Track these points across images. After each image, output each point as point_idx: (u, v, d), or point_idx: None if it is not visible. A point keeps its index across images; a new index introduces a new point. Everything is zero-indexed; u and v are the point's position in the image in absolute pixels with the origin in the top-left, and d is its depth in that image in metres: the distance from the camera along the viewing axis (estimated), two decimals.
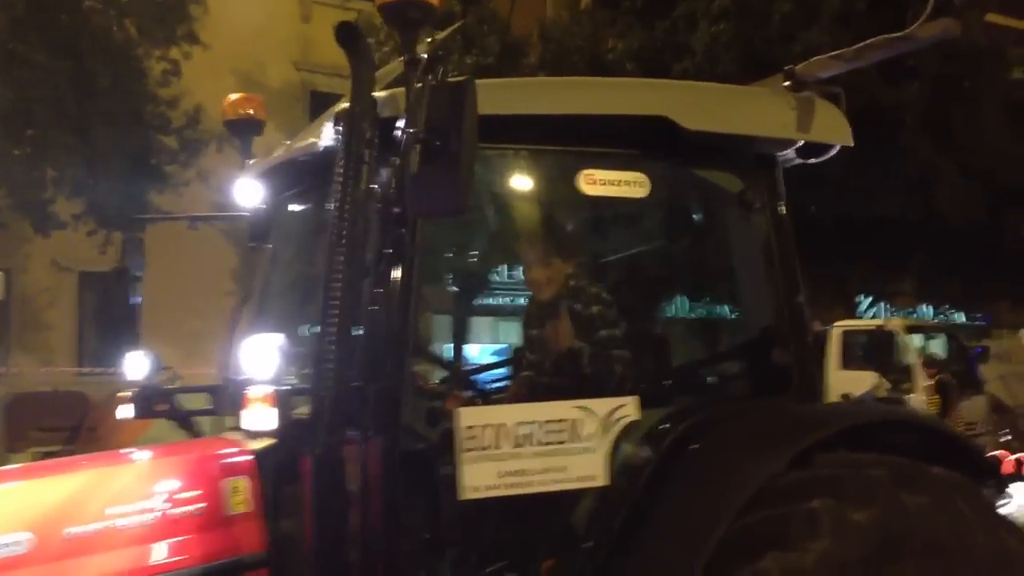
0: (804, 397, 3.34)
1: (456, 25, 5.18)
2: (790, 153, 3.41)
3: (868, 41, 3.25)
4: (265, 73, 17.25)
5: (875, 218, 15.78)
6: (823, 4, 13.85)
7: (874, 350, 12.13)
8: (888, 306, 19.90)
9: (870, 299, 19.65)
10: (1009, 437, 7.68)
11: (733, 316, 3.57)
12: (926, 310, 21.08)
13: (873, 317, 17.42)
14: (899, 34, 3.13)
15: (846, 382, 12.14)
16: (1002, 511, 3.81)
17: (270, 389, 2.52)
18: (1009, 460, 5.93)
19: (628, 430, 2.94)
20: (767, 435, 2.97)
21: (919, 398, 11.52)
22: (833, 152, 3.44)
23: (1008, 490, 4.18)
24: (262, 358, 2.55)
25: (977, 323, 19.56)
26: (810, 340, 3.42)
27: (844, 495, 2.76)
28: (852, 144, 3.39)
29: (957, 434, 3.20)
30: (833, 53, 3.39)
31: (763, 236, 3.39)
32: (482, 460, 2.70)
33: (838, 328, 12.74)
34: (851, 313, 18.12)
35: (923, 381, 11.76)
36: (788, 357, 3.34)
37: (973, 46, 16.92)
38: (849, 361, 12.37)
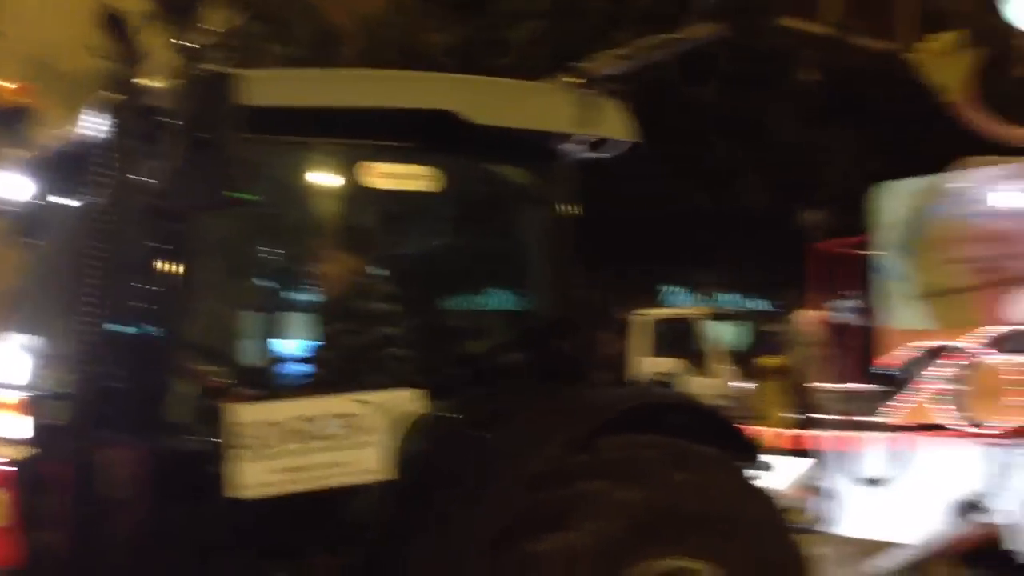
0: (589, 384, 3.46)
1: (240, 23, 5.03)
2: (579, 148, 3.51)
3: (647, 39, 3.39)
4: (63, 60, 16.27)
5: (682, 210, 16.54)
6: (636, 2, 14.36)
7: (679, 337, 12.75)
8: (695, 295, 20.84)
9: (677, 288, 20.58)
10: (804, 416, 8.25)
11: (523, 307, 3.66)
12: (732, 298, 22.15)
13: (681, 306, 18.20)
14: (675, 35, 3.29)
15: (654, 367, 12.70)
16: (765, 482, 4.09)
17: (21, 395, 2.37)
18: (787, 436, 6.35)
19: (411, 422, 2.96)
20: (548, 421, 3.06)
21: (714, 381, 12.14)
22: (623, 148, 3.56)
23: (770, 463, 4.48)
24: (14, 361, 2.41)
25: (777, 310, 20.76)
26: (597, 329, 3.55)
27: (618, 476, 2.88)
28: (638, 140, 3.52)
29: (724, 415, 3.40)
30: (617, 51, 3.52)
31: (552, 229, 3.48)
32: (257, 458, 2.65)
33: (648, 316, 13.23)
34: (660, 302, 18.91)
35: (720, 365, 12.40)
36: (575, 346, 3.45)
37: (766, 47, 18.04)
38: (659, 347, 12.88)
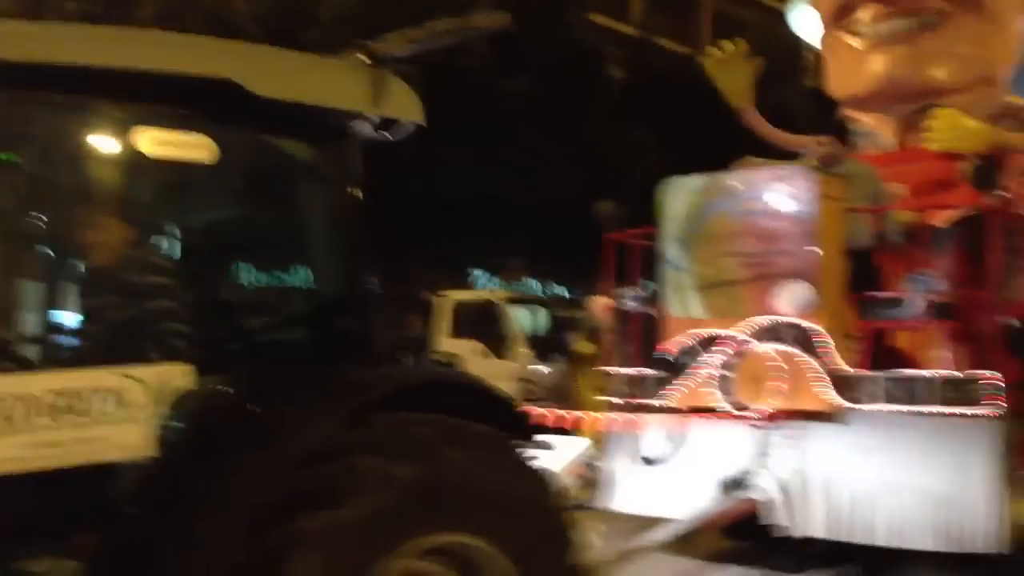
0: (370, 362, 3.47)
1: None
2: (365, 127, 3.49)
3: (432, 25, 3.42)
4: None
5: (490, 197, 16.80)
6: None
7: (480, 320, 12.97)
8: (499, 280, 21.23)
9: (483, 272, 20.93)
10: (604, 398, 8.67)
11: (306, 284, 3.62)
12: (535, 284, 22.69)
13: (485, 289, 18.51)
14: (460, 21, 3.34)
15: (454, 349, 12.87)
16: (543, 462, 4.24)
17: None
18: (576, 417, 6.59)
19: (180, 398, 2.88)
20: (322, 398, 3.04)
21: (512, 364, 12.44)
22: (409, 130, 3.57)
23: (549, 442, 4.66)
24: None
25: (574, 296, 21.47)
26: (378, 308, 3.56)
27: (389, 452, 2.91)
28: (423, 123, 3.54)
29: (500, 394, 3.50)
30: (406, 32, 3.52)
31: (335, 207, 3.46)
32: (2, 433, 2.50)
33: (449, 299, 13.36)
34: (465, 285, 19.16)
35: (518, 348, 12.70)
36: (358, 324, 3.45)
37: (577, 43, 18.60)
38: (458, 330, 13.04)
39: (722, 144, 9.30)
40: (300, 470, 2.80)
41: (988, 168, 6.49)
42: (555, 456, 5.73)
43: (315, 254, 3.56)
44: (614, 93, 20.23)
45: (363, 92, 3.36)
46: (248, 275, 3.56)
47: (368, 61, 3.43)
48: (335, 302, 3.46)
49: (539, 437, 4.11)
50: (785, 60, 15.93)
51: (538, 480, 3.42)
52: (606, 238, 7.50)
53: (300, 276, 3.62)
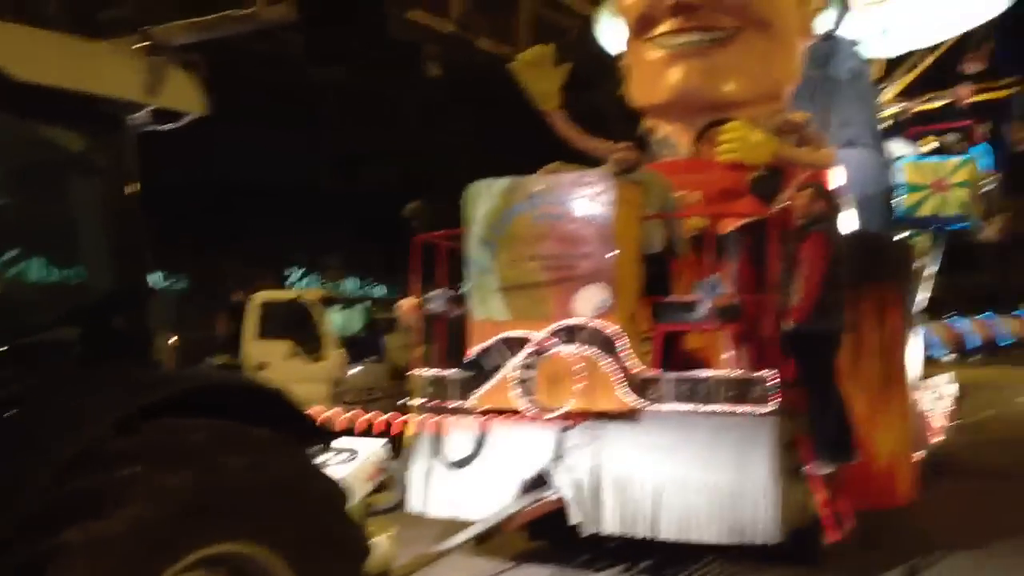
0: (145, 364, 3.31)
1: None
2: (142, 116, 3.32)
3: (218, 15, 3.30)
4: None
5: (307, 192, 16.48)
6: None
7: (291, 321, 12.63)
8: (318, 278, 20.87)
9: (302, 271, 20.49)
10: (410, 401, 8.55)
11: (74, 281, 3.41)
12: (353, 283, 22.45)
13: (299, 289, 18.11)
14: (244, 12, 3.24)
15: (263, 351, 12.50)
16: (335, 466, 4.17)
17: None
18: (383, 419, 6.53)
19: None
20: (89, 402, 2.87)
21: (324, 365, 12.23)
22: (187, 120, 3.43)
23: (348, 445, 4.61)
24: None
25: (393, 296, 21.37)
26: (151, 307, 3.39)
27: (162, 460, 2.78)
28: (204, 113, 3.41)
29: (287, 399, 3.41)
30: (188, 21, 3.39)
31: (106, 200, 3.27)
32: None
33: (258, 298, 12.96)
34: (281, 283, 18.71)
35: (331, 348, 12.49)
36: (128, 323, 3.28)
37: (395, 38, 18.47)
38: (267, 331, 12.66)
39: (541, 146, 9.49)
40: (62, 479, 2.63)
41: (771, 179, 6.89)
42: (354, 460, 5.67)
43: (86, 249, 3.36)
44: (434, 90, 20.29)
45: (138, 80, 3.20)
46: (12, 270, 3.32)
47: (147, 47, 3.27)
48: (106, 300, 3.28)
49: (338, 440, 4.05)
50: (601, 66, 16.48)
51: (324, 485, 3.36)
52: (414, 239, 7.49)
53: (69, 272, 3.42)
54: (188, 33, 3.37)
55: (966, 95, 11.94)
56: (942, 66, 12.49)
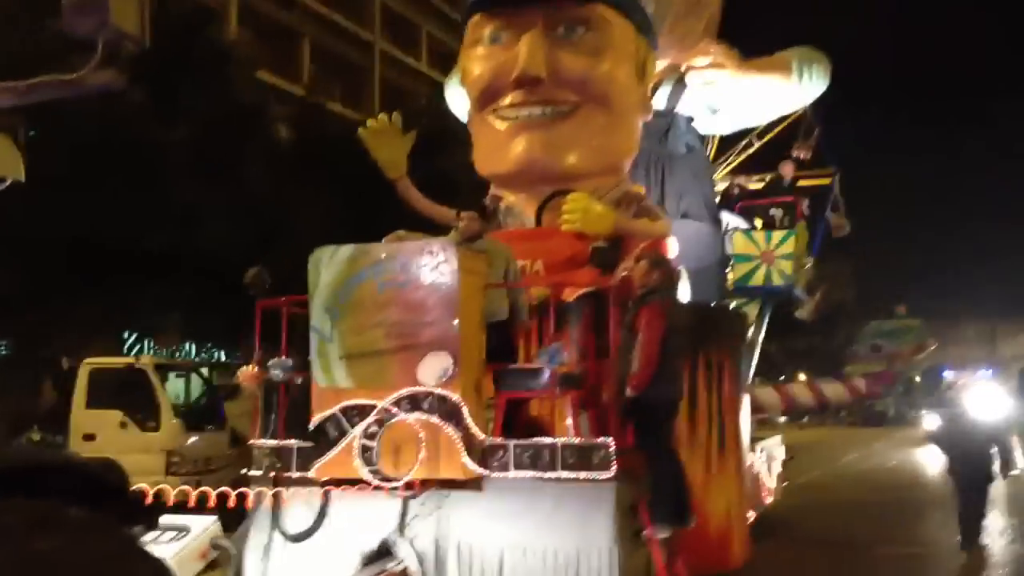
0: None
1: None
2: None
3: (39, 79, 3.18)
4: None
5: (144, 254, 15.83)
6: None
7: (123, 388, 12.05)
8: (152, 343, 20.01)
9: (135, 335, 19.57)
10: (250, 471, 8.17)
11: None
12: (189, 348, 21.64)
13: (135, 353, 17.32)
14: (68, 77, 3.13)
15: (91, 421, 11.85)
16: (161, 544, 3.98)
17: None
18: (220, 492, 6.26)
19: None
20: None
21: (158, 435, 11.72)
22: (5, 185, 3.27)
23: (178, 522, 4.41)
24: None
25: (235, 361, 20.69)
26: None
27: None
28: (22, 178, 3.26)
29: (110, 475, 3.23)
30: (5, 85, 3.24)
31: None
32: None
33: (87, 365, 12.31)
34: (116, 349, 17.82)
35: (165, 417, 11.98)
36: None
37: (241, 99, 18.25)
38: (96, 400, 12.02)
39: (391, 212, 9.47)
40: None
41: (611, 250, 7.13)
42: (184, 537, 5.41)
43: None
44: (282, 153, 20.04)
45: None
46: None
47: None
48: None
49: (168, 517, 3.87)
50: (452, 132, 16.71)
51: (148, 566, 3.19)
52: (257, 304, 7.33)
53: None
54: (5, 97, 3.22)
55: (789, 172, 12.76)
56: (772, 145, 13.33)
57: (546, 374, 6.39)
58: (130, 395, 12.02)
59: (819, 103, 12.49)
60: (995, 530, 10.93)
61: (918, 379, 42.74)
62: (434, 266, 6.22)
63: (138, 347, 19.25)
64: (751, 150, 13.49)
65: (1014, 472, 10.28)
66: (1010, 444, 10.28)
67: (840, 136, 13.48)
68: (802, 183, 13.22)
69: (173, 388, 13.26)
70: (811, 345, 44.67)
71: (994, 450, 9.95)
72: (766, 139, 13.26)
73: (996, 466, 9.92)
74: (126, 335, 19.24)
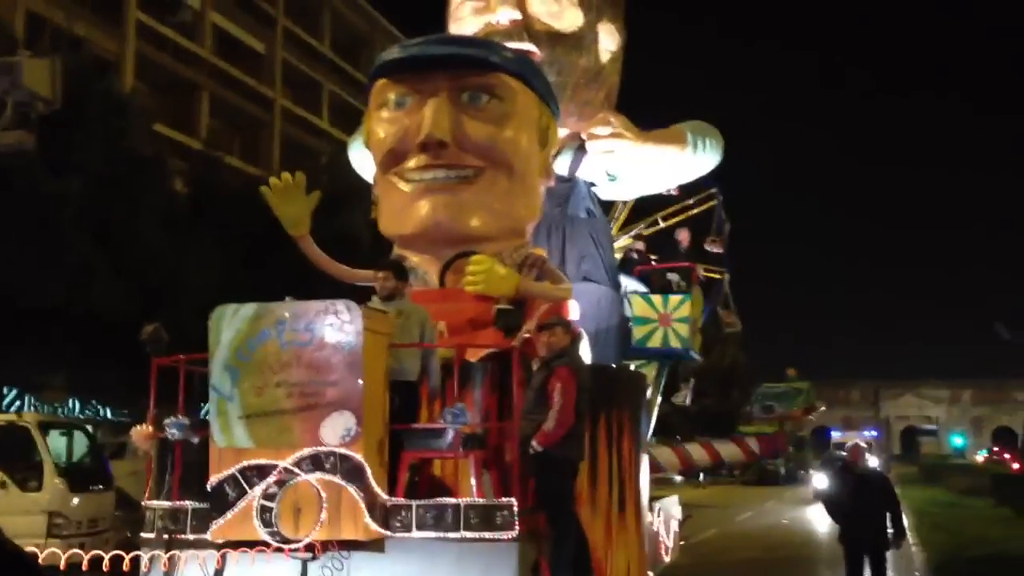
0: None
1: None
2: None
3: None
4: None
5: (30, 308, 15.30)
6: None
7: (3, 447, 11.55)
8: (34, 400, 19.20)
9: (15, 391, 18.77)
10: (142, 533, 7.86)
11: None
12: (73, 404, 20.87)
13: (15, 410, 16.59)
14: None
15: None
16: None
17: None
18: (103, 556, 6.07)
19: None
20: None
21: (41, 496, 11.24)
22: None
23: None
24: None
25: (124, 419, 19.99)
26: None
27: None
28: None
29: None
30: None
31: None
32: None
33: None
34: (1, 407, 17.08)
35: (49, 477, 11.51)
36: None
37: (137, 151, 17.92)
38: None
39: (291, 269, 9.39)
40: None
41: (514, 312, 7.25)
42: None
43: None
44: (177, 207, 19.69)
45: None
46: None
47: None
48: None
49: None
50: (355, 190, 16.71)
51: None
52: (153, 362, 7.18)
53: None
54: None
55: (685, 239, 13.20)
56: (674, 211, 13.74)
57: (450, 434, 6.43)
58: (10, 453, 11.51)
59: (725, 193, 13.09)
60: None
61: (808, 439, 44.10)
62: (339, 326, 6.22)
63: (18, 403, 18.46)
64: (656, 228, 13.91)
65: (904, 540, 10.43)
66: (899, 509, 10.12)
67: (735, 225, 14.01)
68: (703, 273, 13.68)
69: (56, 446, 12.73)
70: (706, 407, 45.70)
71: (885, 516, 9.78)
72: (671, 222, 13.71)
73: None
74: (5, 390, 18.44)
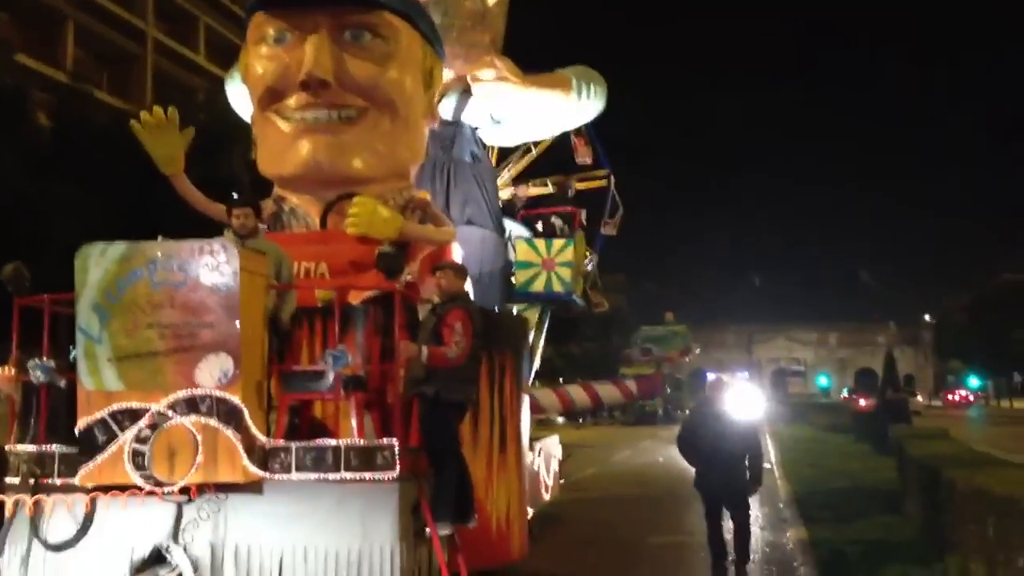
0: None
1: None
2: None
3: None
4: None
5: None
6: None
7: None
8: None
9: None
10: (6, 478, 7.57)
11: None
12: None
13: None
14: None
15: None
16: None
17: None
18: None
19: None
20: None
21: None
22: None
23: None
24: None
25: None
26: None
27: None
28: None
29: None
30: None
31: None
32: None
33: None
34: None
35: None
36: None
37: None
38: None
39: (169, 207, 9.04)
40: None
41: (396, 254, 7.21)
42: None
43: None
44: (42, 144, 18.69)
45: None
46: None
47: None
48: None
49: None
50: (233, 128, 16.15)
51: None
52: (15, 302, 6.86)
53: None
54: None
55: (571, 184, 13.36)
56: (553, 156, 13.89)
57: (330, 376, 6.38)
58: None
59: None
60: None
61: (685, 381, 45.62)
62: (214, 266, 6.06)
63: None
64: (530, 156, 13.99)
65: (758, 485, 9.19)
66: (761, 452, 9.26)
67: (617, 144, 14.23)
68: (579, 186, 13.87)
69: None
70: (587, 351, 46.63)
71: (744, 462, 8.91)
72: (542, 146, 13.78)
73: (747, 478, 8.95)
74: None
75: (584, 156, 13.98)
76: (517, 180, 14.10)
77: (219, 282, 6.04)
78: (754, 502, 10.52)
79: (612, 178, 14.09)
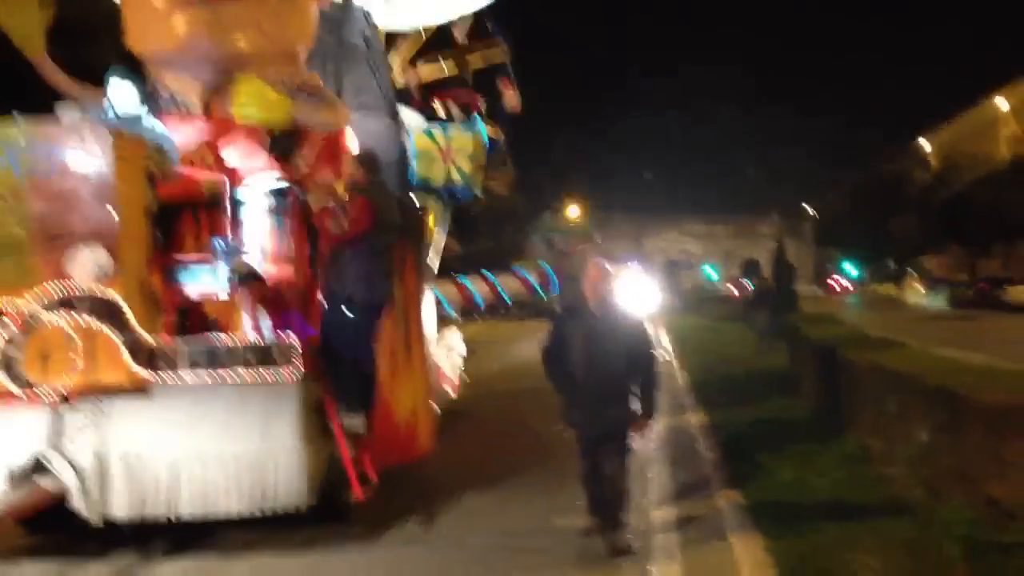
0: None
1: None
2: None
3: None
4: None
5: None
6: None
7: None
8: None
9: None
10: None
11: None
12: None
13: None
14: None
15: None
16: None
17: None
18: None
19: None
20: None
21: None
22: None
23: None
24: None
25: None
26: None
27: None
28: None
29: None
30: None
31: None
32: None
33: None
34: None
35: None
36: None
37: None
38: None
39: (27, 96, 8.21)
40: None
41: (287, 139, 6.71)
42: None
43: None
44: None
45: None
46: None
47: None
48: None
49: None
50: (109, 13, 14.86)
51: None
52: None
53: None
54: None
55: (467, 67, 12.83)
56: (446, 38, 13.25)
57: (221, 270, 5.94)
58: None
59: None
60: None
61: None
62: (83, 150, 5.49)
63: None
64: (418, 38, 13.32)
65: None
66: (653, 368, 6.11)
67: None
68: (475, 64, 13.29)
69: None
70: (485, 247, 46.54)
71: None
72: (434, 27, 13.13)
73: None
74: None
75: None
76: (410, 64, 13.46)
77: (91, 169, 5.49)
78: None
79: (509, 52, 13.51)
